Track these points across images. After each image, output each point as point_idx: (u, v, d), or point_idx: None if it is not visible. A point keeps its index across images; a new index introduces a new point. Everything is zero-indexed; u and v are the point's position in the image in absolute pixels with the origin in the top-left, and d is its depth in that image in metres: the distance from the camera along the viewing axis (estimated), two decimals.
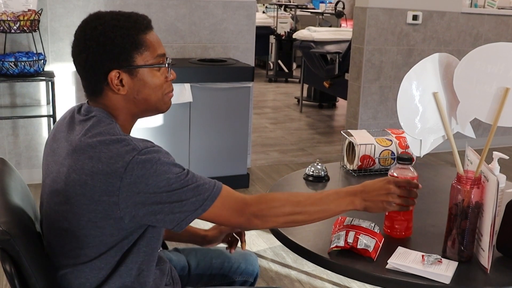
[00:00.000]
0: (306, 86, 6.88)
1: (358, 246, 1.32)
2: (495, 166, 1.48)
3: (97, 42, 1.25)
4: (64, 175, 1.22)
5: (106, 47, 1.25)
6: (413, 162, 1.56)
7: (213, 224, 1.68)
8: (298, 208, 1.31)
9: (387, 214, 1.48)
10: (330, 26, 7.95)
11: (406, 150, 1.97)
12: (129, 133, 1.36)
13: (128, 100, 1.30)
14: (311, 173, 1.89)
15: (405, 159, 1.45)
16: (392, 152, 1.97)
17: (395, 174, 1.45)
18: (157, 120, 3.59)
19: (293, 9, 9.31)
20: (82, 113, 1.31)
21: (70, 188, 1.21)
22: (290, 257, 2.95)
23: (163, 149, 1.23)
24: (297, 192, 1.33)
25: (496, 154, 1.50)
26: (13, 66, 3.32)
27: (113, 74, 1.26)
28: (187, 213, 1.21)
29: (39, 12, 3.42)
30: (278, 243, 1.52)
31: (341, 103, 6.95)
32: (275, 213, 1.29)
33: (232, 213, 1.26)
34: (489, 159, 1.35)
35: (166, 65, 1.33)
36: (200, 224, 1.72)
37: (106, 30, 1.25)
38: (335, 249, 1.35)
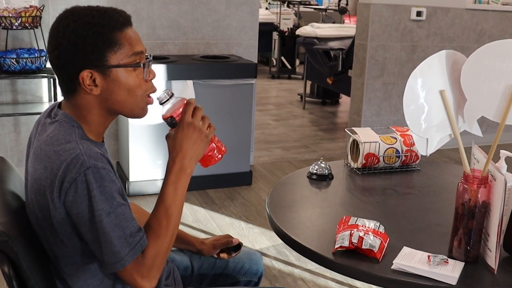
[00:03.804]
0: (309, 83, 6.86)
1: (363, 247, 1.30)
2: (502, 164, 1.46)
3: (68, 40, 1.20)
4: (30, 184, 1.22)
5: (78, 46, 1.19)
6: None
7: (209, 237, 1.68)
8: (167, 232, 1.24)
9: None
10: (333, 23, 7.92)
11: (411, 148, 1.95)
12: (103, 135, 1.32)
13: (101, 100, 1.24)
14: (315, 171, 1.87)
15: None
16: (397, 150, 1.94)
17: (164, 111, 1.34)
18: (159, 117, 3.56)
19: (296, 6, 9.27)
20: (51, 116, 1.28)
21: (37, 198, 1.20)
22: (293, 255, 2.93)
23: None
24: (152, 220, 1.26)
25: (503, 153, 1.47)
26: (15, 63, 3.30)
27: (85, 74, 1.21)
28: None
29: (41, 8, 3.40)
30: (281, 241, 1.51)
31: (344, 99, 6.93)
32: (157, 265, 1.22)
33: None
34: (495, 158, 1.33)
35: (142, 64, 1.25)
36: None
37: (78, 28, 1.20)
38: (340, 249, 1.33)
